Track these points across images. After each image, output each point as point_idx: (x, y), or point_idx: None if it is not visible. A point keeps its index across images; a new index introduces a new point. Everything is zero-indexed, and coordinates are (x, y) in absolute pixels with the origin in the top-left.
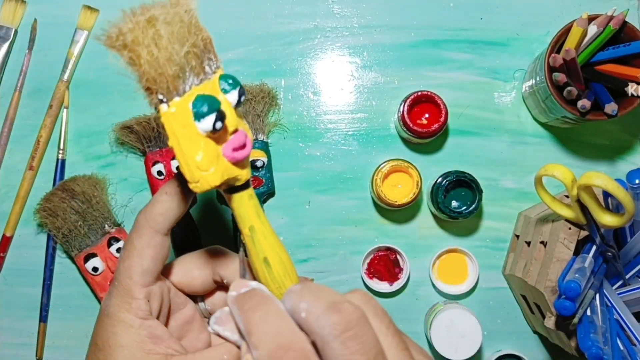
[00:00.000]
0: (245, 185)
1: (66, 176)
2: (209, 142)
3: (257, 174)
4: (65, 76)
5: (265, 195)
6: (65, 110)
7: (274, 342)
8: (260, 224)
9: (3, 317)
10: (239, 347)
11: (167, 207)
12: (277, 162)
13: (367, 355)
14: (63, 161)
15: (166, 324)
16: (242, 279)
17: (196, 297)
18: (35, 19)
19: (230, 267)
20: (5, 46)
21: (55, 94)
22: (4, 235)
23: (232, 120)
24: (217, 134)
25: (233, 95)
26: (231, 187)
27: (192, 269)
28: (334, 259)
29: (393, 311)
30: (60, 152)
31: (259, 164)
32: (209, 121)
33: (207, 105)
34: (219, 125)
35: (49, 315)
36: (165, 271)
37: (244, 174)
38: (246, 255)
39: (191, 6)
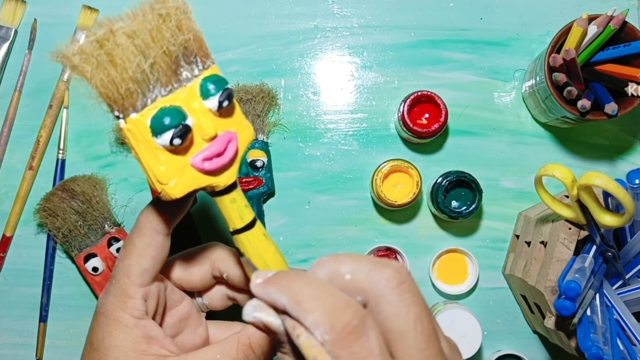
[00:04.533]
0: (225, 190)
1: (66, 176)
2: (170, 156)
3: (257, 174)
4: (65, 76)
5: (265, 195)
6: (65, 110)
7: (328, 302)
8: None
9: (3, 317)
10: (268, 334)
11: (168, 207)
12: (277, 162)
13: (420, 307)
14: (63, 161)
15: (162, 321)
16: (259, 270)
17: (193, 293)
18: (35, 19)
19: (229, 262)
20: (5, 46)
21: (55, 94)
22: (4, 235)
23: (208, 127)
24: (184, 145)
25: (212, 102)
26: (212, 191)
27: (192, 266)
28: None
29: None
30: (60, 152)
31: (259, 164)
32: (166, 137)
33: (165, 121)
34: (177, 141)
35: (49, 315)
36: (163, 268)
37: (222, 181)
38: (240, 254)
39: (172, 8)
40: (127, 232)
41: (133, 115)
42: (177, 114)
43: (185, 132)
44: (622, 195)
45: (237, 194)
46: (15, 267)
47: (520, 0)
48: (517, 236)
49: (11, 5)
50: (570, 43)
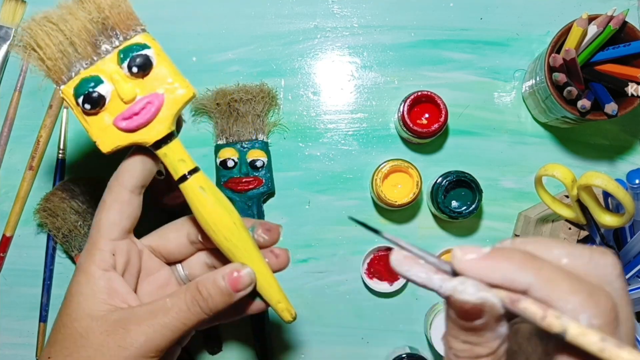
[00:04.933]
0: (156, 145)
1: (66, 176)
2: (93, 118)
3: (257, 174)
4: None
5: (265, 195)
6: (65, 110)
7: (584, 285)
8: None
9: (3, 317)
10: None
11: (132, 164)
12: (277, 162)
13: (627, 292)
14: (63, 161)
15: (137, 286)
16: (464, 246)
17: (175, 266)
18: None
19: None
20: (5, 46)
21: (55, 94)
22: (4, 235)
23: (123, 92)
24: (102, 109)
25: (124, 68)
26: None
27: (168, 232)
28: (334, 259)
29: (393, 311)
30: (60, 152)
31: (259, 164)
32: (80, 102)
33: (80, 89)
34: (87, 106)
35: (49, 315)
36: (142, 237)
37: (149, 137)
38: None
39: None
40: None
41: (62, 87)
42: (90, 82)
43: (96, 99)
44: (622, 195)
45: (169, 149)
46: (15, 267)
47: (520, 0)
48: (517, 236)
49: (11, 5)
50: (570, 43)
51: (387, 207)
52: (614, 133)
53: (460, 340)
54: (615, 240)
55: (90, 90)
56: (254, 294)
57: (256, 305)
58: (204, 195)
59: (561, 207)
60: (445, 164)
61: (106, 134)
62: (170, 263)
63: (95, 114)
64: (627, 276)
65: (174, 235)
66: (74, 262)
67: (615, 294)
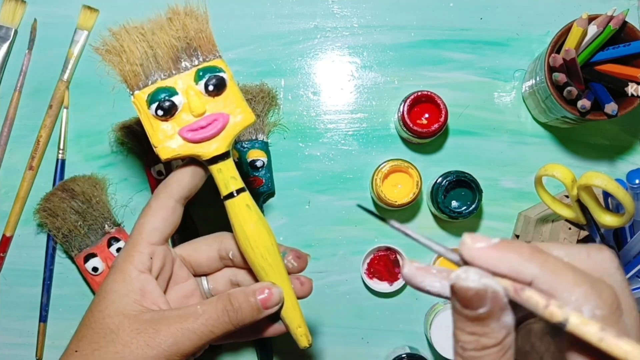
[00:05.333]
0: (213, 160)
1: (66, 176)
2: (161, 125)
3: (257, 174)
4: (65, 76)
5: (265, 195)
6: (65, 110)
7: (587, 277)
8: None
9: (3, 317)
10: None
11: (182, 176)
12: (277, 162)
13: (628, 284)
14: (63, 161)
15: (165, 291)
16: (472, 233)
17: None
18: (35, 19)
19: (235, 243)
20: (5, 46)
21: (55, 94)
22: (4, 235)
23: (194, 105)
24: (171, 117)
25: (200, 86)
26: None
27: (200, 245)
28: (334, 259)
29: (393, 311)
30: (60, 152)
31: (259, 164)
32: (153, 108)
33: (155, 96)
34: (159, 112)
35: (49, 315)
36: (175, 246)
37: (208, 152)
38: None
39: (181, 14)
40: (127, 232)
41: (136, 92)
42: (166, 92)
43: (169, 107)
44: (622, 195)
45: (224, 166)
46: (15, 267)
47: (520, 0)
48: (517, 236)
49: (11, 5)
50: (570, 43)
51: (387, 207)
52: (614, 133)
53: (466, 332)
54: (615, 240)
55: (166, 98)
56: (277, 315)
57: (275, 329)
58: (249, 213)
59: (561, 207)
60: (445, 164)
61: (171, 141)
62: (197, 275)
63: (164, 121)
64: (627, 276)
65: (205, 248)
66: (74, 262)
67: (617, 286)
